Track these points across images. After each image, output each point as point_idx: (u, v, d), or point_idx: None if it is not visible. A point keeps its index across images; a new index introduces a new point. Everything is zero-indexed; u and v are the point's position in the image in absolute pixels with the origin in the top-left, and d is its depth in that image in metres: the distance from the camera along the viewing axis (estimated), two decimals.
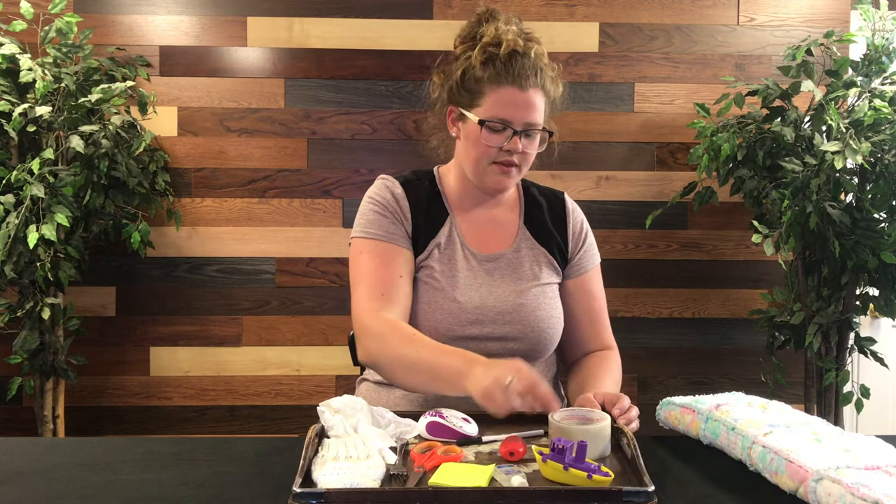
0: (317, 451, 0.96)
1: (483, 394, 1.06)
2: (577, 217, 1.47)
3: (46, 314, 2.27)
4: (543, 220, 1.43)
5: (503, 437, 1.05)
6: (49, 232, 2.15)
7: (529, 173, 1.53)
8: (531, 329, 1.33)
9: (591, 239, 1.47)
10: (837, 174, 2.17)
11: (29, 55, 2.28)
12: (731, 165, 2.39)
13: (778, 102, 2.36)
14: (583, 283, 1.43)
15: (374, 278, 1.30)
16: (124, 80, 2.50)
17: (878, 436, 1.00)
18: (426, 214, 1.37)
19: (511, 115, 1.28)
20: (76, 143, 2.18)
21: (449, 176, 1.43)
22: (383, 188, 1.39)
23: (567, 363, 1.47)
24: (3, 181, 2.23)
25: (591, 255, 1.46)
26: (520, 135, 1.28)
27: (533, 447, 0.97)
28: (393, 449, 1.00)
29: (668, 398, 1.22)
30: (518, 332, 1.32)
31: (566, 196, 1.49)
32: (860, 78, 2.29)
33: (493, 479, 0.92)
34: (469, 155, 1.33)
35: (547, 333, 1.35)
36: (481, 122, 1.29)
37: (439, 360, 1.18)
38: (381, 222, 1.34)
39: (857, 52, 2.53)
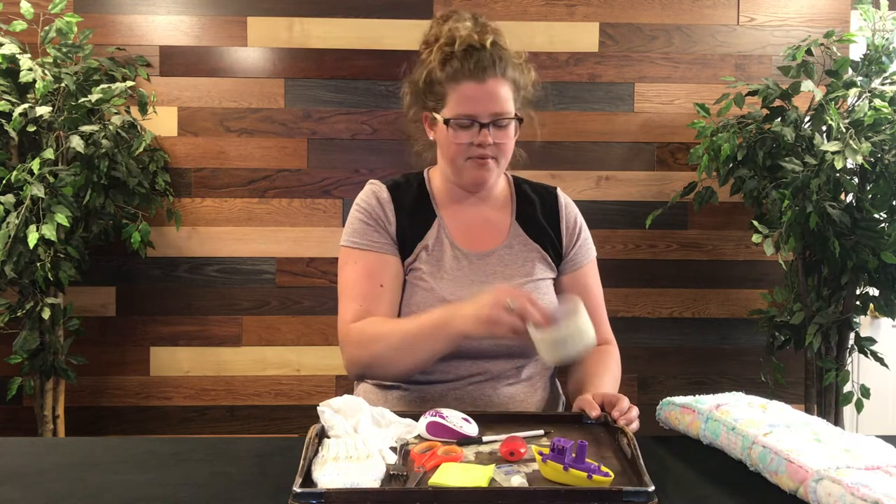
0: (317, 451, 0.96)
1: (486, 321, 1.11)
2: (570, 212, 1.46)
3: (46, 314, 2.27)
4: (535, 216, 1.43)
5: (503, 437, 1.05)
6: (49, 232, 2.15)
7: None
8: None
9: (585, 234, 1.46)
10: (837, 174, 2.17)
11: (29, 55, 2.28)
12: (731, 165, 2.39)
13: (778, 102, 2.36)
14: (578, 278, 1.43)
15: (356, 290, 1.35)
16: (124, 80, 2.50)
17: (878, 436, 1.00)
18: (412, 218, 1.37)
19: (474, 110, 1.29)
20: (76, 143, 2.18)
21: (436, 177, 1.44)
22: (369, 194, 1.40)
23: None
24: (3, 181, 2.23)
25: (586, 249, 1.45)
26: (487, 127, 1.29)
27: (533, 447, 0.97)
28: (393, 449, 1.00)
29: (668, 398, 1.22)
30: None
31: (559, 191, 1.48)
32: (860, 78, 2.29)
33: (493, 479, 0.92)
34: (445, 155, 1.35)
35: None
36: (447, 122, 1.30)
37: (419, 324, 1.23)
38: (366, 231, 1.36)
39: (857, 52, 2.53)
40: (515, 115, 1.32)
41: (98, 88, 2.30)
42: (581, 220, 1.47)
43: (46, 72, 2.26)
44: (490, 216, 1.42)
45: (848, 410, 2.51)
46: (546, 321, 1.07)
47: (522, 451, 0.99)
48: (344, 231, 1.40)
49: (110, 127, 2.31)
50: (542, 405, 1.37)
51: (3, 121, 2.26)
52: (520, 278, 1.36)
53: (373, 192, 1.40)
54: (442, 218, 1.39)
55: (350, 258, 1.38)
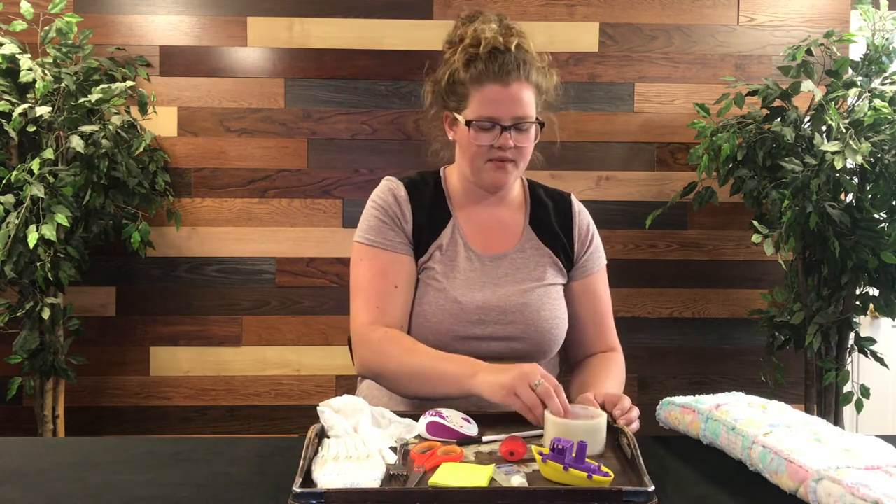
0: (317, 451, 0.96)
1: (507, 388, 1.09)
2: (583, 219, 1.46)
3: (46, 314, 2.27)
4: (549, 221, 1.43)
5: (503, 437, 1.05)
6: (49, 232, 2.15)
7: (533, 173, 1.53)
8: (535, 329, 1.33)
9: (597, 241, 1.47)
10: (837, 174, 2.17)
11: (29, 55, 2.28)
12: (731, 165, 2.39)
13: (778, 102, 2.36)
14: (588, 284, 1.43)
15: (371, 290, 1.32)
16: (124, 80, 2.50)
17: (878, 436, 1.00)
18: (429, 217, 1.37)
19: (497, 112, 1.29)
20: (76, 143, 2.18)
21: (453, 177, 1.44)
22: (387, 191, 1.39)
23: (570, 364, 1.47)
24: (3, 181, 2.23)
25: (596, 257, 1.46)
26: (509, 130, 1.29)
27: (533, 447, 0.97)
28: (393, 449, 1.00)
29: (668, 398, 1.22)
30: (521, 332, 1.32)
31: (573, 198, 1.49)
32: (860, 78, 2.29)
33: (493, 479, 0.92)
34: (464, 156, 1.35)
35: (551, 334, 1.35)
36: (468, 123, 1.30)
37: (442, 365, 1.21)
38: (381, 229, 1.35)
39: (857, 52, 2.53)
40: (537, 119, 1.32)
41: (98, 88, 2.30)
42: (593, 227, 1.48)
43: (46, 72, 2.26)
44: (504, 218, 1.42)
45: (848, 410, 2.51)
46: (564, 413, 1.06)
47: (522, 450, 0.99)
48: (359, 226, 1.39)
49: (110, 127, 2.31)
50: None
51: (3, 121, 2.26)
52: (530, 282, 1.36)
53: (390, 189, 1.39)
54: (457, 218, 1.39)
55: (365, 255, 1.36)
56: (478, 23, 1.33)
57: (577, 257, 1.43)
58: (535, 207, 1.44)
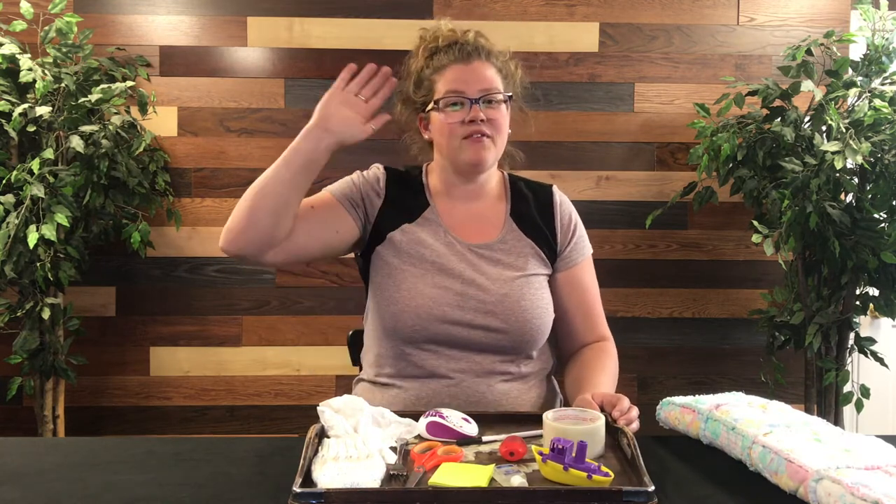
0: (317, 451, 0.96)
1: (321, 107, 1.26)
2: (564, 209, 1.46)
3: (46, 314, 2.27)
4: (530, 213, 1.43)
5: (503, 437, 1.05)
6: (49, 232, 2.15)
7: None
8: (515, 319, 1.32)
9: (580, 231, 1.46)
10: (837, 174, 2.17)
11: (29, 55, 2.28)
12: (731, 165, 2.39)
13: (778, 102, 2.36)
14: (574, 275, 1.43)
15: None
16: (124, 80, 2.50)
17: (878, 436, 1.00)
18: (404, 197, 1.41)
19: (462, 87, 1.33)
20: (76, 143, 2.18)
21: (433, 173, 1.45)
22: (368, 172, 1.45)
23: (563, 357, 1.47)
24: (3, 181, 2.23)
25: (581, 247, 1.45)
26: (477, 102, 1.32)
27: (533, 447, 0.97)
28: (393, 449, 1.00)
29: (668, 398, 1.22)
30: (501, 323, 1.32)
31: (554, 189, 1.48)
32: (860, 78, 2.29)
33: (493, 479, 0.92)
34: (441, 142, 1.37)
35: (532, 324, 1.33)
36: (437, 104, 1.34)
37: (283, 155, 1.32)
38: (344, 188, 1.41)
39: (857, 52, 2.53)
40: (507, 95, 1.35)
41: (98, 88, 2.30)
42: (576, 217, 1.47)
43: (46, 72, 2.26)
44: (484, 211, 1.42)
45: (848, 410, 2.51)
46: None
47: (522, 450, 0.99)
48: None
49: (110, 127, 2.31)
50: (539, 403, 1.37)
51: (3, 121, 2.26)
52: (512, 272, 1.36)
53: (372, 170, 1.45)
54: (436, 206, 1.41)
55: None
56: (434, 22, 1.41)
57: (561, 248, 1.42)
58: (515, 199, 1.44)
